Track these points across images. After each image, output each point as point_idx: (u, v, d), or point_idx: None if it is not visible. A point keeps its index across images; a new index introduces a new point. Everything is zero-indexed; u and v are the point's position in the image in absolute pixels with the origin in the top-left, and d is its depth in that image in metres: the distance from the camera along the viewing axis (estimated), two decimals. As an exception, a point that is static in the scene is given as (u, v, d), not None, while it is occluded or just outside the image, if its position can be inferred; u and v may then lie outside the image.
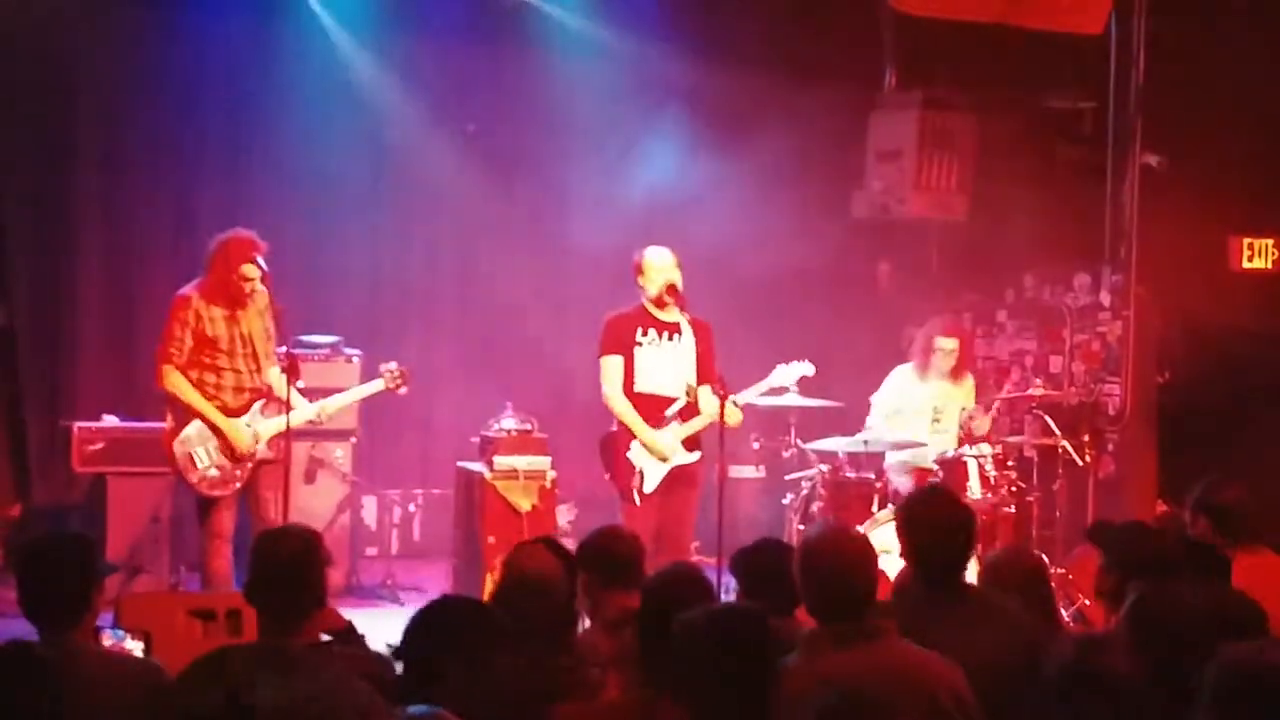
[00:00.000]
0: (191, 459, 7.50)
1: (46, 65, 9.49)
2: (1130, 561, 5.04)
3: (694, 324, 8.02)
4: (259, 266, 7.47)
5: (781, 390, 8.28)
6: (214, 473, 7.52)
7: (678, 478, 7.95)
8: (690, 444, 8.00)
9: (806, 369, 8.20)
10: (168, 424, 7.60)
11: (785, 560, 4.84)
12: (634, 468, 7.90)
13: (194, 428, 7.51)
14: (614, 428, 8.06)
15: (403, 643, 3.77)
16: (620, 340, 7.97)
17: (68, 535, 5.16)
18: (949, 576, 4.66)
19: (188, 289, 7.57)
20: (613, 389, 7.96)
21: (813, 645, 4.08)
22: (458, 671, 3.64)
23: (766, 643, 3.70)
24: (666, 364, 7.99)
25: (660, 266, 7.93)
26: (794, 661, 4.04)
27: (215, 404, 7.52)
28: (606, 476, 8.10)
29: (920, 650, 4.10)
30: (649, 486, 7.90)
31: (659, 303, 7.95)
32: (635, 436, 7.92)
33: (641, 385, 7.98)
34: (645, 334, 7.98)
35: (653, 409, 7.97)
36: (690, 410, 7.97)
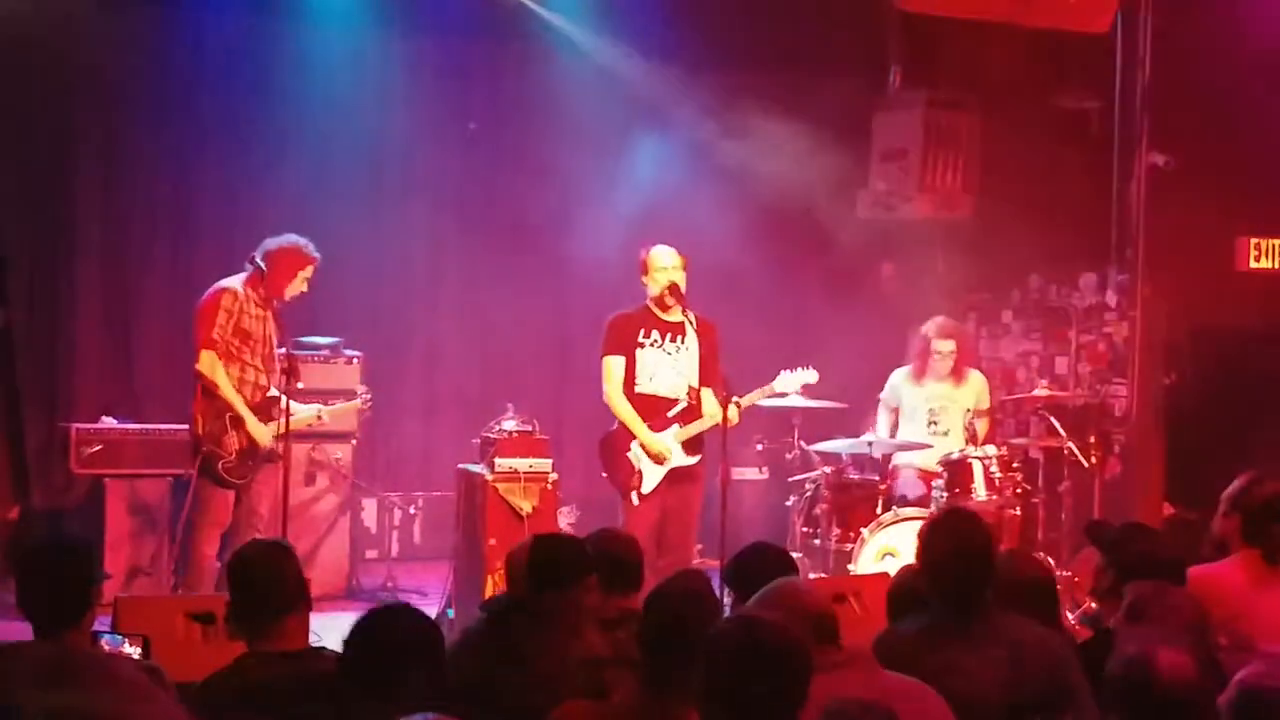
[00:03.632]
0: (221, 441, 7.67)
1: (45, 67, 9.41)
2: (1128, 562, 5.00)
3: (699, 325, 7.97)
4: (308, 277, 7.86)
5: (784, 396, 8.24)
6: (234, 460, 7.70)
7: (677, 478, 7.95)
8: (691, 447, 7.99)
9: (810, 376, 8.16)
10: (197, 401, 7.74)
11: (778, 563, 4.87)
12: (633, 467, 7.91)
13: (226, 415, 7.69)
14: (614, 427, 8.06)
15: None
16: (622, 341, 7.96)
17: (67, 537, 5.12)
18: (973, 601, 4.48)
19: (232, 282, 7.78)
20: (613, 389, 7.97)
21: None
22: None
23: (800, 658, 3.60)
24: (669, 366, 7.98)
25: (664, 266, 7.91)
26: None
27: (239, 398, 7.75)
28: (605, 475, 8.10)
29: (905, 680, 4.04)
30: (647, 486, 7.91)
31: (660, 304, 7.92)
32: (633, 436, 7.92)
33: (643, 386, 7.98)
34: (648, 335, 7.96)
35: (654, 410, 7.97)
36: (691, 413, 7.96)
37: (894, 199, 10.51)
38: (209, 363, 7.67)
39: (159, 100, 9.80)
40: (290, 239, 7.86)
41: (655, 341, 7.97)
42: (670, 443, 7.92)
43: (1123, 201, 10.11)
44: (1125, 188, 10.07)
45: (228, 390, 7.67)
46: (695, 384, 7.96)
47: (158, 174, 9.92)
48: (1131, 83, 9.97)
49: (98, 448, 8.79)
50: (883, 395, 9.33)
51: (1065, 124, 10.46)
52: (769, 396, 8.17)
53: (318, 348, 9.30)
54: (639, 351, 7.96)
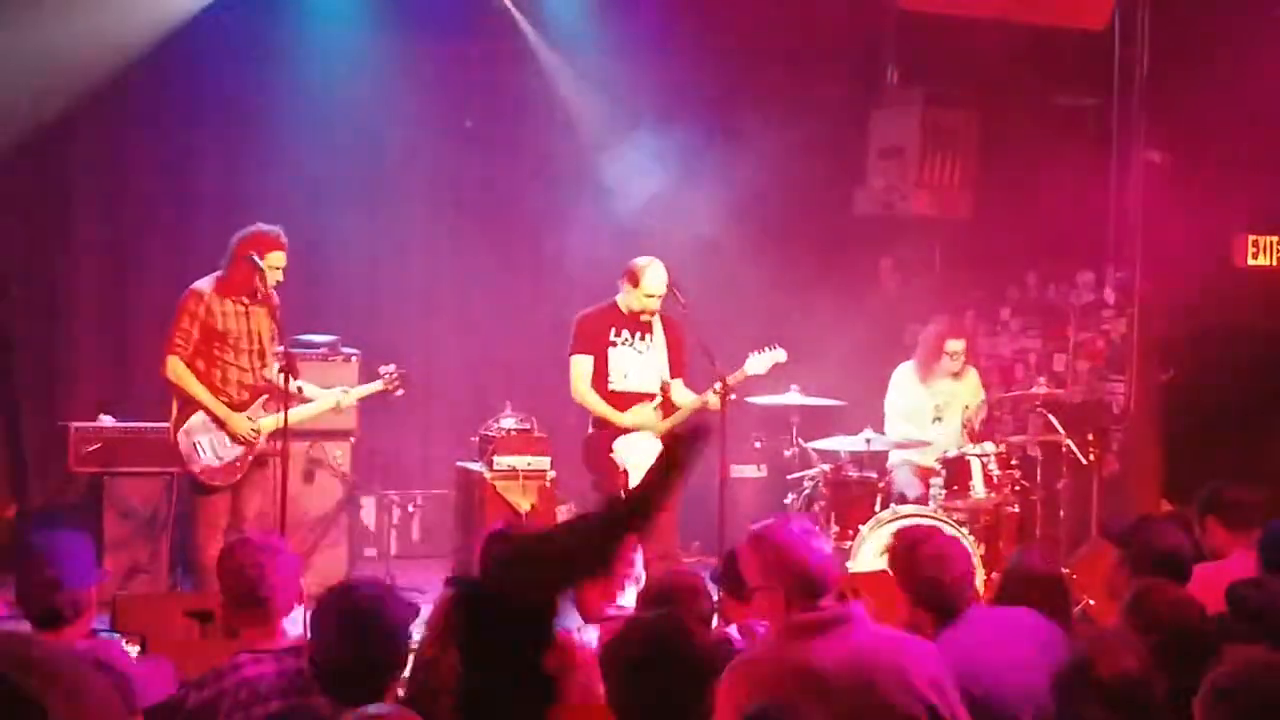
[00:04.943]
0: (195, 449, 7.54)
1: (43, 66, 9.39)
2: (1145, 559, 5.00)
3: (664, 320, 8.10)
4: (278, 264, 7.56)
5: (757, 378, 8.19)
6: (215, 463, 7.55)
7: None
8: None
9: (779, 355, 8.13)
10: (172, 414, 7.63)
11: None
12: (619, 467, 7.98)
13: (198, 419, 7.54)
14: (591, 429, 8.14)
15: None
16: (592, 340, 8.08)
17: (66, 535, 5.12)
18: (954, 607, 4.51)
19: (201, 283, 7.63)
20: (582, 386, 8.07)
21: (786, 633, 4.06)
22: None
23: (690, 654, 3.63)
24: (640, 363, 8.10)
25: (654, 293, 8.00)
26: (764, 648, 4.07)
27: (221, 398, 7.57)
28: (591, 479, 8.17)
29: (888, 633, 4.07)
30: (633, 484, 7.89)
31: (634, 316, 8.02)
32: (614, 436, 8.02)
33: (617, 384, 8.08)
34: (619, 334, 8.08)
35: (628, 407, 8.07)
36: (666, 409, 8.07)
37: (891, 196, 10.51)
38: (172, 368, 7.52)
39: (157, 98, 9.78)
40: (255, 227, 7.65)
41: (626, 340, 8.08)
42: (649, 414, 8.03)
43: (1121, 198, 10.10)
44: (1123, 185, 10.06)
45: (200, 393, 7.50)
46: (666, 378, 8.08)
47: (155, 172, 9.90)
48: (1129, 79, 9.97)
49: (96, 446, 8.78)
50: (891, 398, 9.28)
51: (1063, 121, 10.45)
52: (745, 380, 8.11)
53: (314, 345, 9.28)
54: (611, 350, 8.07)
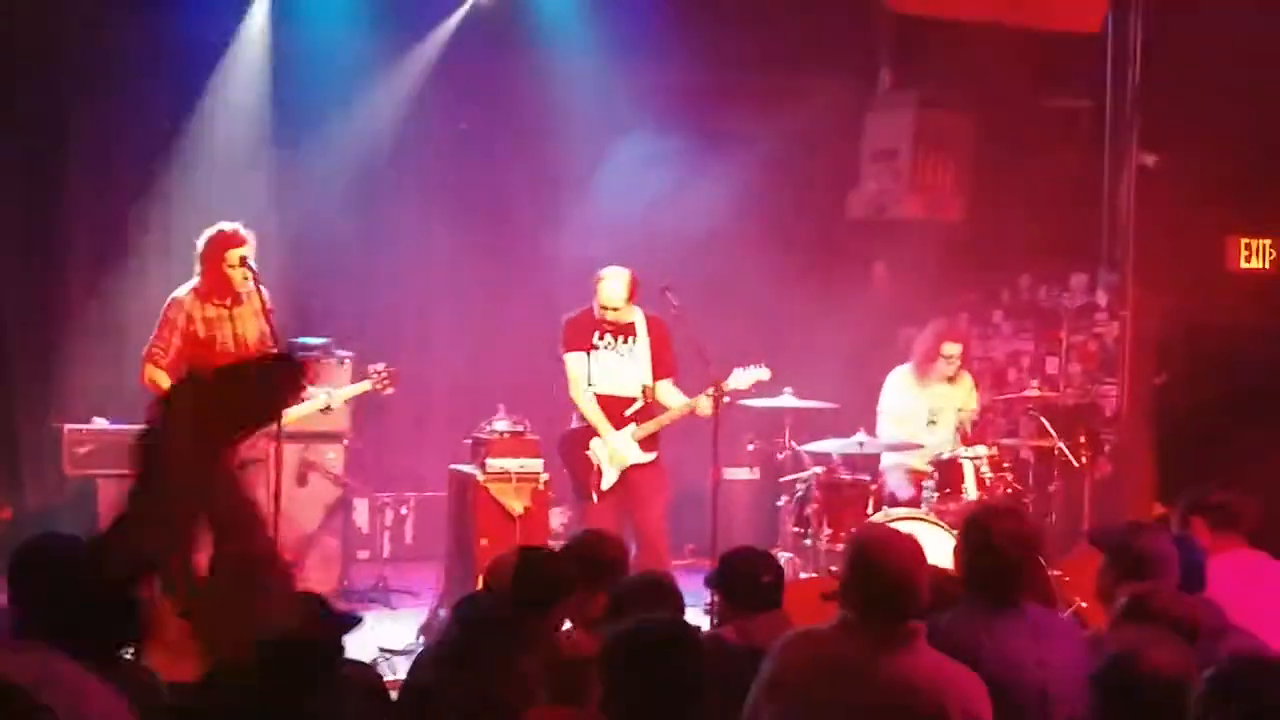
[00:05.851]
0: None
1: (37, 65, 9.40)
2: (1126, 562, 5.02)
3: (649, 320, 8.15)
4: (246, 262, 7.49)
5: (739, 394, 8.20)
6: None
7: (635, 475, 8.11)
8: (647, 445, 8.16)
9: (762, 374, 8.16)
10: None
11: (765, 568, 5.01)
12: (592, 465, 8.09)
13: None
14: (573, 425, 8.23)
15: None
16: (580, 339, 8.15)
17: (61, 538, 5.10)
18: (1010, 594, 4.49)
19: (181, 290, 7.63)
20: (579, 388, 8.15)
21: (845, 632, 4.05)
22: None
23: (695, 655, 3.65)
24: (621, 366, 8.15)
25: (607, 304, 8.07)
26: (829, 635, 4.05)
27: None
28: (566, 473, 8.27)
29: (942, 662, 4.04)
30: (606, 484, 8.10)
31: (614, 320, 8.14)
32: (593, 434, 8.11)
33: (598, 387, 8.15)
34: (601, 337, 8.14)
35: (611, 411, 8.15)
36: (647, 412, 8.11)
37: (885, 199, 10.53)
38: (150, 376, 7.52)
39: (151, 100, 9.77)
40: (215, 226, 7.62)
41: (609, 344, 8.14)
42: (628, 443, 8.08)
43: (1114, 202, 10.12)
44: (1116, 188, 10.08)
45: None
46: (649, 381, 8.12)
47: (151, 173, 9.89)
48: (1122, 82, 9.98)
49: (90, 448, 8.77)
50: (884, 404, 9.28)
51: (1056, 124, 10.48)
52: (731, 393, 8.11)
53: (308, 348, 9.26)
54: (593, 354, 8.14)
